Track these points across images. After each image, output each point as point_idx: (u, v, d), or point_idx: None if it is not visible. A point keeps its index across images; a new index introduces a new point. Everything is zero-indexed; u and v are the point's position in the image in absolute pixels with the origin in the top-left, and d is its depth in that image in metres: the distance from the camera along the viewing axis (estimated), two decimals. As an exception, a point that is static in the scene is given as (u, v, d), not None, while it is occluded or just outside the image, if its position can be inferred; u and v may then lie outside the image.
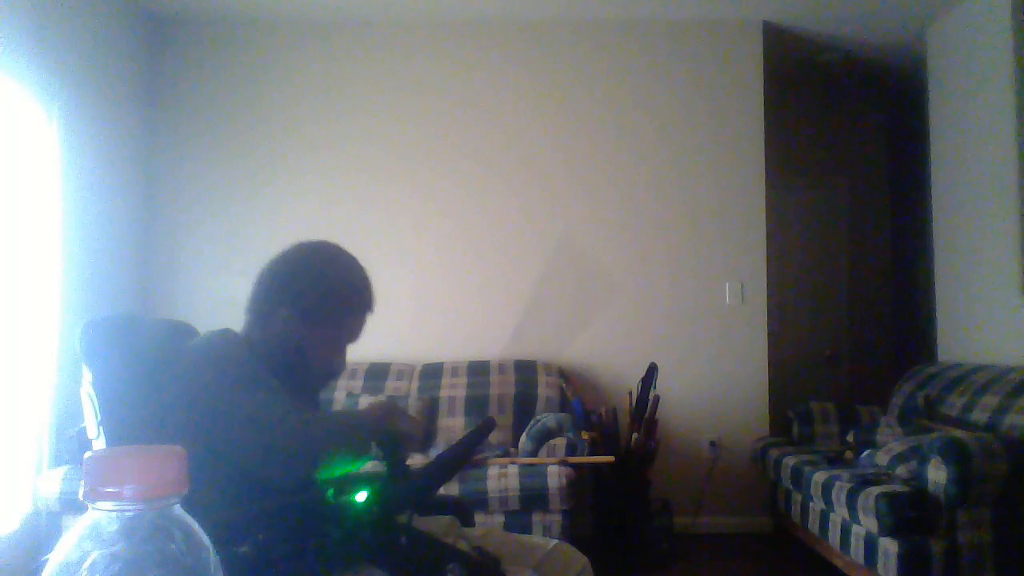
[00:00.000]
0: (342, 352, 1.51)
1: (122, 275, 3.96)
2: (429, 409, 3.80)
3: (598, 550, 3.49)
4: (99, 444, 1.37)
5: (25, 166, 3.27)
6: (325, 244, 1.52)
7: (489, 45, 4.31)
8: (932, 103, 4.35)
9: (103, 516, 0.44)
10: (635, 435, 3.60)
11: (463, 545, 1.40)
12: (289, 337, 1.44)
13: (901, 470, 2.92)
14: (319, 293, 1.44)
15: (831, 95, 5.33)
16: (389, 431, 1.32)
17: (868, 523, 2.77)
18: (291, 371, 1.46)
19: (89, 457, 0.45)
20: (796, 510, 3.54)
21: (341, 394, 3.78)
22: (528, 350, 4.11)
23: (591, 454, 3.38)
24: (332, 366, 1.50)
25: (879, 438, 3.41)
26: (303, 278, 1.45)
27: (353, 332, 1.50)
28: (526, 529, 3.09)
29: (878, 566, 2.77)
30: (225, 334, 1.43)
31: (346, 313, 1.47)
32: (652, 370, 3.68)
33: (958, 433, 2.93)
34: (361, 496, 1.20)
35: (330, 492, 1.21)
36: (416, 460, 2.82)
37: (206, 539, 0.47)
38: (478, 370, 3.94)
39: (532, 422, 3.55)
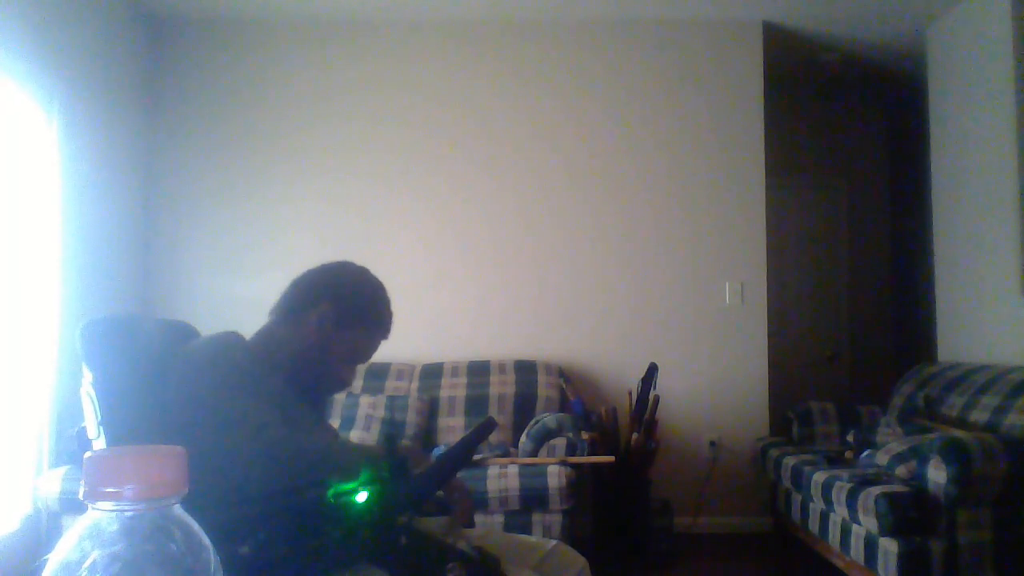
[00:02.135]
0: (355, 366, 1.57)
1: (122, 275, 3.96)
2: (429, 409, 3.80)
3: (598, 550, 3.49)
4: (99, 444, 1.37)
5: (25, 167, 3.27)
6: (364, 267, 1.62)
7: (487, 46, 4.31)
8: (932, 103, 4.35)
9: (103, 516, 0.44)
10: (635, 435, 3.59)
11: (463, 545, 1.40)
12: (317, 334, 1.49)
13: (901, 470, 2.92)
14: (359, 300, 1.54)
15: (831, 95, 5.33)
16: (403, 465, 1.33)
17: (868, 523, 2.77)
18: (305, 374, 1.50)
19: (89, 457, 0.45)
20: (796, 510, 3.54)
21: (341, 394, 3.77)
22: (528, 350, 4.11)
23: (591, 454, 3.38)
24: (345, 375, 1.55)
25: (879, 438, 3.41)
26: (346, 284, 1.55)
27: (370, 349, 1.57)
28: (526, 529, 3.09)
29: (878, 566, 2.77)
30: (226, 337, 1.44)
31: (375, 326, 1.56)
32: (652, 370, 3.68)
33: (958, 433, 2.92)
34: (361, 496, 1.20)
35: (330, 492, 1.21)
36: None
37: (206, 539, 0.47)
38: (478, 370, 3.94)
39: (532, 422, 3.55)
